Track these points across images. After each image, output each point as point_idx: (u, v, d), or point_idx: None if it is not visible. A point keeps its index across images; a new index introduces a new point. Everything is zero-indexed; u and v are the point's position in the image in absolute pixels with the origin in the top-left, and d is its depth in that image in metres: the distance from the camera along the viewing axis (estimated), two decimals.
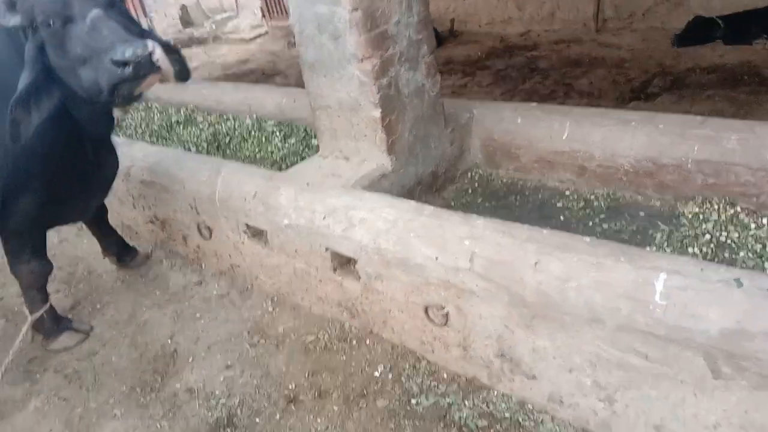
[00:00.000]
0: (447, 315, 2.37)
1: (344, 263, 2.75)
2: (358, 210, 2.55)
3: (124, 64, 2.00)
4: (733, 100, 4.46)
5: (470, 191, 3.28)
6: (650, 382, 1.91)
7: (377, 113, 2.75)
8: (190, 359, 2.89)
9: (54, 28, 2.15)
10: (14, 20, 2.17)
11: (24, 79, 2.19)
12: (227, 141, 4.34)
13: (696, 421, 1.86)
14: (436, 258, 2.26)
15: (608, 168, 2.96)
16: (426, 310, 2.44)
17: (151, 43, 2.03)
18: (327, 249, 2.70)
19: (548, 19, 7.27)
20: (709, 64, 5.27)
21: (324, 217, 2.64)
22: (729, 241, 2.47)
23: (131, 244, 3.74)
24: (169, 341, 3.03)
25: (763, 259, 2.35)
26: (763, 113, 4.10)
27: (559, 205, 3.01)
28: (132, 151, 3.57)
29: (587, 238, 2.05)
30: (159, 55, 2.04)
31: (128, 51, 1.98)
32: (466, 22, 7.92)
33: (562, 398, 2.18)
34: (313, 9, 2.65)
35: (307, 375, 2.67)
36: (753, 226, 2.51)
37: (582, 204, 2.97)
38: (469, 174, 3.39)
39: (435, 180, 3.19)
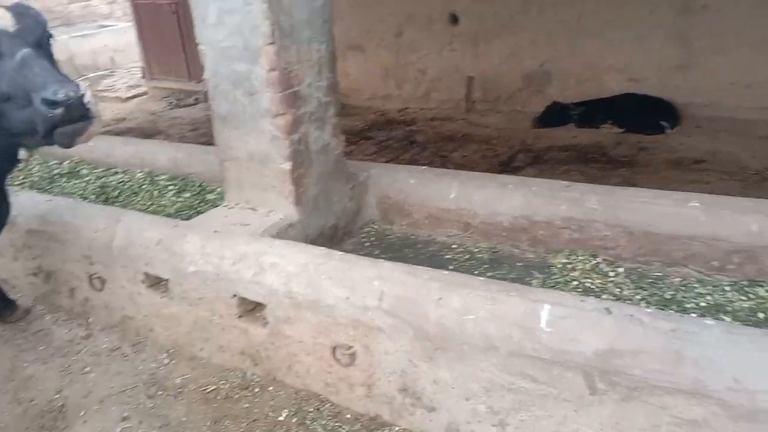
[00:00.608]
0: (354, 354, 2.52)
1: (250, 309, 2.83)
2: (269, 255, 2.67)
3: (54, 104, 2.03)
4: (586, 174, 5.12)
5: (367, 244, 3.50)
6: (537, 403, 2.17)
7: (287, 166, 2.93)
8: (82, 413, 2.76)
9: None
10: None
11: None
12: (116, 194, 4.28)
13: None
14: (347, 298, 2.43)
15: (489, 225, 3.32)
16: (333, 351, 2.57)
17: (83, 86, 2.09)
18: (234, 295, 2.77)
19: (424, 98, 7.91)
20: (565, 144, 6.03)
21: (233, 263, 2.73)
22: (593, 287, 2.87)
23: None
24: (57, 396, 2.88)
25: (621, 300, 2.76)
26: (613, 185, 4.76)
27: (448, 257, 3.31)
28: (19, 200, 3.42)
29: (482, 278, 2.33)
30: (90, 98, 2.09)
31: (61, 92, 2.02)
32: (349, 96, 8.37)
33: (459, 427, 2.38)
34: (231, 66, 2.83)
35: (209, 424, 2.66)
36: (612, 274, 2.95)
37: (468, 256, 3.29)
38: (366, 229, 3.62)
39: (336, 233, 3.38)
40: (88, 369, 3.06)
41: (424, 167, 3.76)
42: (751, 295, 2.71)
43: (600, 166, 5.34)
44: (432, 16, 7.49)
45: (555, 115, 6.56)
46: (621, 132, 6.16)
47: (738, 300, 2.69)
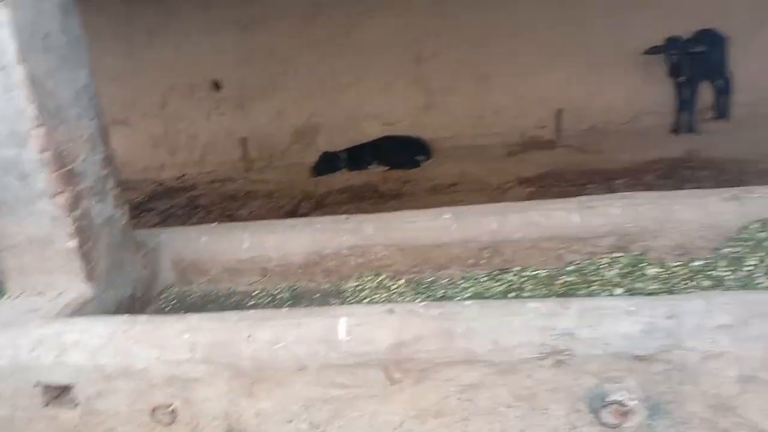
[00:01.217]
0: (174, 411, 2.59)
1: (57, 394, 2.74)
2: (69, 333, 2.64)
3: None
4: (362, 210, 5.67)
5: (168, 308, 3.55)
6: (350, 406, 2.45)
7: (73, 244, 2.92)
8: None
9: None
10: None
11: None
12: None
13: (387, 425, 2.46)
14: (158, 357, 2.52)
15: (284, 266, 3.60)
16: (153, 413, 2.61)
17: None
18: (37, 384, 2.67)
19: (200, 162, 8.04)
20: (341, 187, 6.61)
21: (31, 350, 2.64)
22: (381, 300, 3.29)
23: None
24: None
25: None
26: None
27: (251, 303, 3.51)
28: None
29: (286, 309, 2.60)
30: None
31: None
32: (121, 170, 8.14)
33: None
34: None
35: None
36: (394, 286, 3.39)
37: (270, 299, 3.52)
38: (165, 294, 3.67)
39: (134, 303, 3.39)
40: None
41: (214, 224, 3.94)
42: (502, 281, 3.33)
43: (373, 202, 5.99)
44: (193, 84, 7.73)
45: (327, 163, 7.17)
46: (386, 170, 6.94)
47: (493, 287, 3.30)
